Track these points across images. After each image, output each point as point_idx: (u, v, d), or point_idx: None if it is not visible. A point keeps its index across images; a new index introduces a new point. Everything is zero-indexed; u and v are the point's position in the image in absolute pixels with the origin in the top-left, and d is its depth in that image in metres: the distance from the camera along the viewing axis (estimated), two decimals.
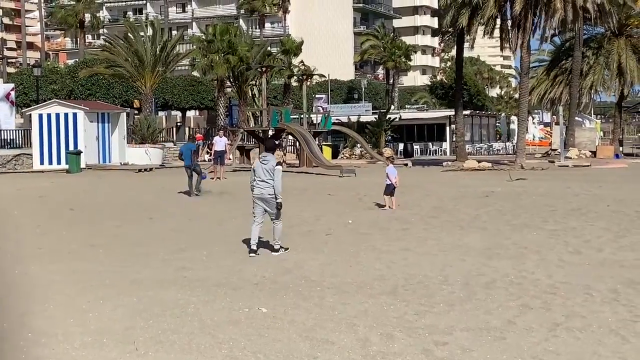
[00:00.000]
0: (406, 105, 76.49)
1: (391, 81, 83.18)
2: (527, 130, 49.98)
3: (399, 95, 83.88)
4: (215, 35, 53.73)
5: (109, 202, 22.44)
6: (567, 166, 36.07)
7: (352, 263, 12.14)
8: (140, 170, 35.30)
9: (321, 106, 60.80)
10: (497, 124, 73.96)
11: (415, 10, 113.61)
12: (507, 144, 63.68)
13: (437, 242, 14.00)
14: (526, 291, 10.03)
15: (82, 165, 35.45)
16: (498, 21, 36.02)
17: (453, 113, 45.01)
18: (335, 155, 47.56)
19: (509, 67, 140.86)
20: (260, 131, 35.61)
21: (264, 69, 39.32)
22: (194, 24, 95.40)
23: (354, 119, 53.42)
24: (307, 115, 41.26)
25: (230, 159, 38.80)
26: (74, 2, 79.00)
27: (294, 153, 45.57)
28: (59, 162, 36.53)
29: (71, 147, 36.13)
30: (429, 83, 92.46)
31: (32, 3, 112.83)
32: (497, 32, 36.72)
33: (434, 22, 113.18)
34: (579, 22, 36.75)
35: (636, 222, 16.04)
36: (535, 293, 9.92)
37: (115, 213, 19.38)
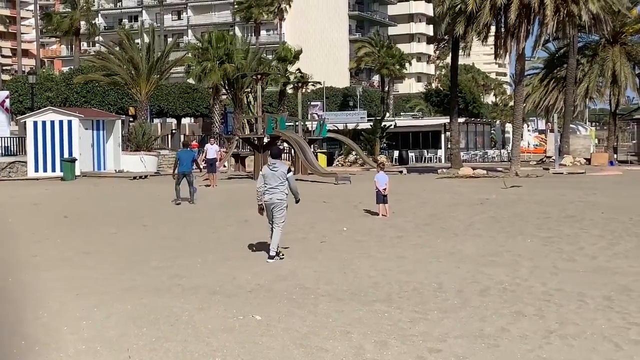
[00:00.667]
0: (401, 113, 76.58)
1: (386, 88, 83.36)
2: (521, 137, 50.07)
3: (394, 102, 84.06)
4: (210, 42, 53.84)
5: (104, 209, 22.42)
6: (562, 173, 36.14)
7: (346, 270, 12.14)
8: (135, 178, 35.28)
9: (316, 113, 60.88)
10: (492, 132, 74.11)
11: (410, 17, 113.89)
12: (502, 151, 63.82)
13: (432, 250, 14.01)
14: (520, 298, 10.04)
15: (77, 173, 35.40)
16: (493, 29, 36.12)
17: (448, 120, 45.04)
18: (330, 162, 47.60)
19: (504, 74, 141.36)
20: (256, 138, 35.61)
21: (259, 76, 39.32)
22: (189, 31, 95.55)
23: (349, 126, 53.48)
24: (302, 123, 41.27)
25: (225, 167, 38.81)
26: (70, 10, 79.07)
27: (289, 160, 45.58)
28: (53, 170, 36.48)
29: (66, 155, 36.09)
30: (424, 90, 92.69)
31: (27, 10, 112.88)
32: (491, 40, 36.85)
33: (429, 30, 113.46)
34: (574, 29, 36.89)
35: (630, 229, 16.08)
36: (529, 300, 9.93)
37: (110, 220, 19.36)
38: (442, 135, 57.63)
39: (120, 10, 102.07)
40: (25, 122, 38.77)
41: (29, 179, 35.89)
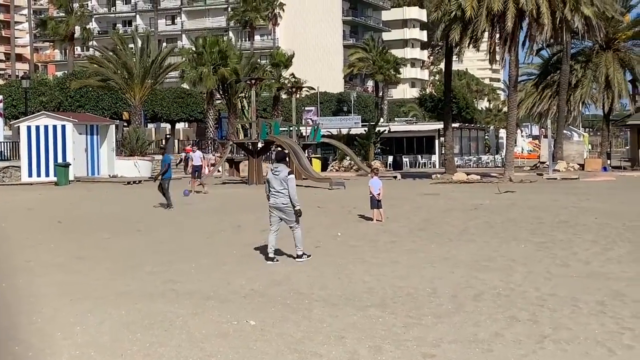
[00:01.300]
0: (395, 118, 76.70)
1: (380, 94, 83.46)
2: (515, 143, 50.15)
3: (388, 107, 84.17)
4: (204, 47, 53.86)
5: (97, 214, 22.40)
6: (555, 179, 36.23)
7: (340, 275, 12.15)
8: (129, 183, 35.27)
9: (310, 118, 60.94)
10: (486, 137, 74.27)
11: (404, 23, 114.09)
12: (496, 156, 63.96)
13: (426, 255, 14.03)
14: (514, 303, 10.06)
15: (71, 178, 35.37)
16: (486, 35, 36.20)
17: (442, 126, 45.16)
18: (324, 167, 47.65)
19: (498, 80, 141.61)
20: (250, 144, 35.63)
21: (253, 81, 39.36)
22: (183, 36, 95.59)
23: (343, 131, 53.55)
24: (296, 128, 41.30)
25: (219, 172, 38.80)
26: (64, 15, 79.05)
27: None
28: (47, 175, 36.43)
29: (60, 160, 36.05)
30: (418, 96, 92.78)
31: (21, 14, 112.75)
32: (486, 46, 36.91)
33: (423, 35, 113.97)
34: (567, 36, 37.03)
35: (623, 234, 16.12)
36: (523, 305, 9.95)
37: (104, 225, 19.34)
38: (436, 141, 57.78)
39: (114, 15, 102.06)
40: (19, 126, 38.75)
41: (23, 184, 35.84)
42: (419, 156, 58.06)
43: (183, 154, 48.67)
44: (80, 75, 56.96)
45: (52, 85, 62.53)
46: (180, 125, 75.00)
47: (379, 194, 18.86)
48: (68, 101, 60.31)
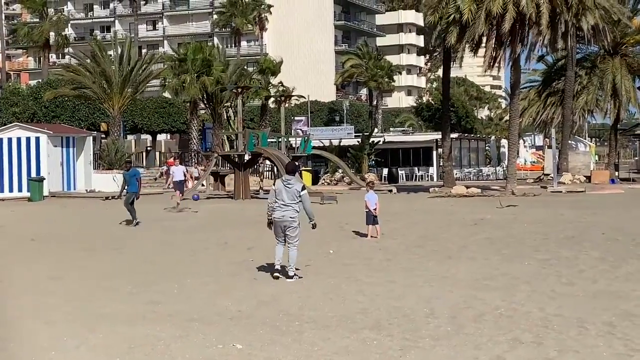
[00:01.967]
0: (390, 128, 76.82)
1: (375, 102, 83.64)
2: (518, 154, 50.35)
3: (383, 117, 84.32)
4: (187, 54, 53.91)
5: (73, 232, 22.35)
6: (560, 192, 36.32)
7: (332, 296, 12.15)
8: (107, 198, 35.16)
9: (300, 129, 60.97)
10: (487, 148, 74.44)
11: (399, 28, 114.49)
12: (497, 168, 64.05)
13: (423, 273, 14.04)
14: (517, 324, 10.07)
15: (45, 193, 35.30)
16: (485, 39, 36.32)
17: (440, 136, 45.23)
18: (315, 181, 47.66)
19: (499, 87, 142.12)
20: (236, 156, 35.63)
21: (239, 89, 39.41)
22: (165, 42, 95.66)
23: (335, 142, 53.60)
24: (285, 139, 41.34)
25: (203, 186, 38.78)
26: (39, 20, 79.09)
27: (271, 179, 45.61)
28: (20, 190, 36.37)
29: (33, 174, 35.98)
30: (415, 104, 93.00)
31: None
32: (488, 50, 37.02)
33: (420, 41, 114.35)
34: (572, 41, 37.21)
35: (633, 251, 16.17)
36: (526, 326, 9.96)
37: (80, 244, 19.29)
38: (434, 152, 57.81)
39: (91, 21, 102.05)
40: None
41: None
42: (416, 168, 58.07)
43: (164, 167, 48.63)
44: (56, 84, 56.96)
45: (26, 95, 62.50)
46: (162, 137, 75.02)
47: (375, 209, 18.88)
48: (42, 112, 60.27)
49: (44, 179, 35.63)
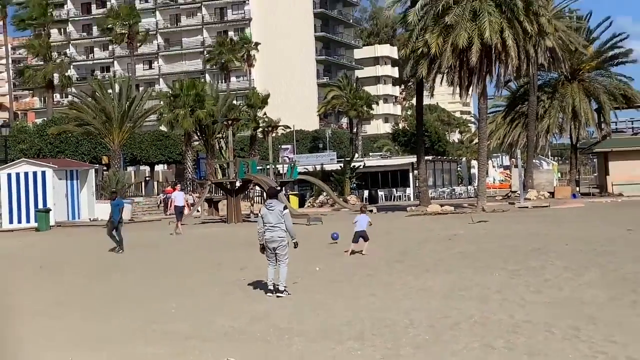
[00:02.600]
0: (370, 153, 76.96)
1: (355, 130, 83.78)
2: (487, 173, 50.47)
3: (362, 143, 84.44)
4: (181, 90, 53.91)
5: (78, 258, 22.19)
6: (527, 207, 36.38)
7: (320, 310, 12.09)
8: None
9: (287, 156, 61.03)
10: (459, 169, 74.62)
11: (376, 60, 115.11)
12: (469, 187, 64.18)
13: (403, 286, 14.01)
14: (490, 331, 10.06)
15: (52, 223, 35.07)
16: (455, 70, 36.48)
17: (415, 159, 45.32)
18: (302, 204, 47.60)
19: (468, 112, 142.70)
20: (228, 183, 35.56)
21: (230, 121, 39.40)
22: (160, 79, 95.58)
23: (319, 167, 53.61)
24: (273, 166, 41.32)
25: (198, 211, 38.66)
26: (43, 63, 78.98)
27: (261, 203, 45.54)
28: (28, 221, 36.12)
29: (40, 205, 35.78)
30: (392, 131, 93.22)
31: (0, 64, 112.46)
32: (454, 80, 37.18)
33: (395, 72, 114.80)
34: (533, 68, 37.45)
35: (594, 260, 16.19)
36: (498, 333, 9.95)
37: (84, 269, 19.17)
38: (410, 174, 57.93)
39: (92, 62, 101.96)
40: None
41: (4, 231, 35.44)
42: (394, 189, 58.15)
43: (162, 195, 48.43)
44: (60, 122, 56.78)
45: (32, 133, 62.27)
46: (159, 167, 74.79)
47: (364, 230, 18.88)
48: (48, 147, 60.04)
49: (50, 210, 35.41)
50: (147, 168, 71.82)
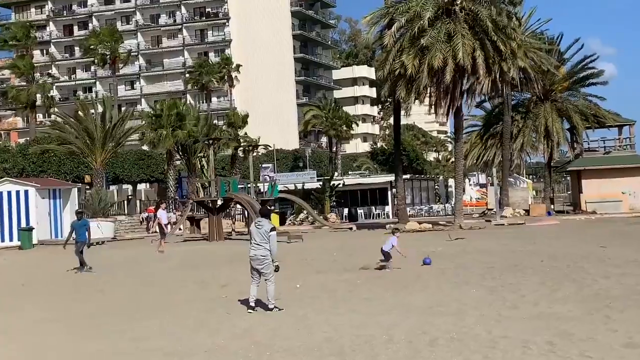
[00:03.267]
0: (349, 172, 77.11)
1: (334, 149, 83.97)
2: (464, 191, 50.74)
3: (342, 162, 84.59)
4: (163, 110, 53.90)
5: (61, 276, 22.02)
6: (503, 225, 36.60)
7: (301, 326, 12.07)
8: (92, 244, 34.68)
9: (268, 175, 60.83)
10: (436, 187, 74.91)
11: (354, 81, 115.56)
12: (446, 205, 64.44)
13: (382, 303, 14.02)
14: (467, 346, 10.08)
15: (35, 241, 34.82)
16: (430, 90, 36.73)
17: (394, 178, 45.49)
18: (282, 221, 47.56)
19: (445, 132, 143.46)
20: (210, 201, 35.49)
21: (211, 141, 39.40)
22: (142, 100, 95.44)
23: (299, 186, 53.62)
24: (254, 184, 41.30)
25: (180, 230, 38.52)
26: (26, 83, 78.59)
27: (242, 221, 45.46)
28: (11, 239, 35.86)
29: (23, 224, 35.52)
30: (370, 150, 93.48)
31: None
32: (430, 100, 37.42)
33: (372, 92, 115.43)
34: (507, 88, 37.81)
35: (569, 275, 16.31)
36: (475, 348, 9.97)
37: (67, 287, 19.02)
38: (389, 192, 58.08)
39: (74, 83, 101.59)
40: None
41: None
42: (373, 207, 58.26)
43: (144, 214, 48.20)
44: (43, 141, 56.45)
45: (15, 152, 61.80)
46: (141, 186, 74.46)
47: (392, 249, 18.91)
48: (31, 167, 59.61)
49: (33, 228, 35.18)
50: (130, 187, 71.48)
